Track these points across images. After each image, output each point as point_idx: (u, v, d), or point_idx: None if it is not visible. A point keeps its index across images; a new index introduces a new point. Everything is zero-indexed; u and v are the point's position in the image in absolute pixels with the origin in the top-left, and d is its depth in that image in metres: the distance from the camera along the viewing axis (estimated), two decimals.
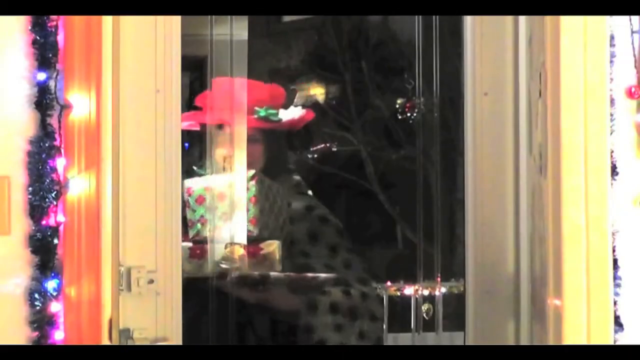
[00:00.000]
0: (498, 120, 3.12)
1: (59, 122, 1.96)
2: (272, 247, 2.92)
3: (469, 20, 3.17)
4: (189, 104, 3.11)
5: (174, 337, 2.35)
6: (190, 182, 2.90)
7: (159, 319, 2.41)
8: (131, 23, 2.26)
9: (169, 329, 2.37)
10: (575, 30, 2.01)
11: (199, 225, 2.85)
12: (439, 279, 3.80)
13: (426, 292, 3.79)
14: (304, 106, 3.08)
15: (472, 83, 3.15)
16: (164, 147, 2.28)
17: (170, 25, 2.30)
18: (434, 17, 3.60)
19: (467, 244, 3.19)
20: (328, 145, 5.68)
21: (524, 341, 2.95)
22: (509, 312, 3.11)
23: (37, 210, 1.95)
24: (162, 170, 2.45)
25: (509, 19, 3.09)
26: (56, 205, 1.95)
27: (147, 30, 2.35)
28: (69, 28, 1.98)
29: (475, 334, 3.15)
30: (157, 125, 2.38)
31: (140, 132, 2.32)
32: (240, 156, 2.98)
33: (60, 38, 1.97)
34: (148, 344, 2.30)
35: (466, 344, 3.19)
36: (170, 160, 2.33)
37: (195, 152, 3.33)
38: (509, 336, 3.10)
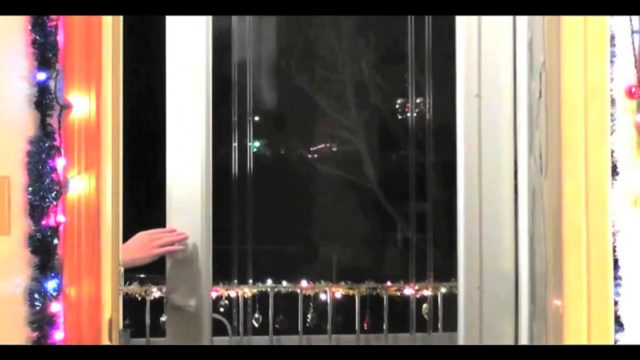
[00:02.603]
0: (491, 122, 3.13)
1: (59, 122, 1.96)
2: None
3: (460, 22, 3.17)
4: None
5: None
6: None
7: None
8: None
9: None
10: (575, 30, 2.01)
11: None
12: (431, 279, 3.81)
13: (426, 292, 3.78)
14: None
15: (464, 85, 3.16)
16: None
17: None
18: (426, 17, 3.60)
19: (459, 244, 3.20)
20: (328, 145, 5.68)
21: (524, 341, 2.95)
22: (508, 312, 3.11)
23: (37, 210, 1.95)
24: None
25: (504, 19, 3.10)
26: (56, 205, 1.95)
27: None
28: (69, 28, 1.98)
29: (472, 333, 3.16)
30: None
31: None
32: None
33: (60, 38, 1.97)
34: None
35: (459, 343, 3.19)
36: None
37: None
38: (508, 336, 3.10)
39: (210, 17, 3.06)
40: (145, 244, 2.68)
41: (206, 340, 2.79)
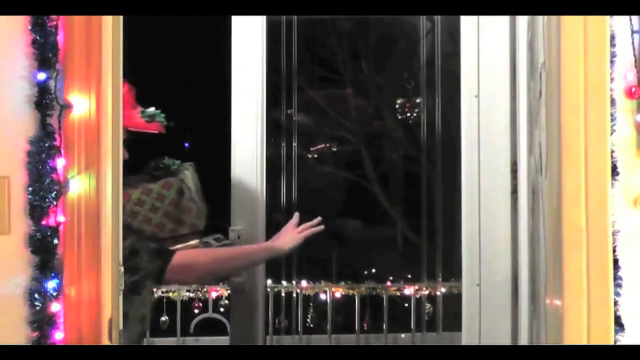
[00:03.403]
0: (489, 122, 3.14)
1: (59, 122, 1.96)
2: None
3: (464, 23, 3.18)
4: None
5: None
6: None
7: None
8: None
9: None
10: (575, 30, 2.01)
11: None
12: (420, 280, 3.81)
13: (426, 292, 3.78)
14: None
15: (465, 85, 3.17)
16: None
17: None
18: (436, 17, 3.60)
19: (463, 244, 3.20)
20: (328, 145, 5.68)
21: (523, 341, 2.95)
22: (507, 311, 3.11)
23: (37, 210, 1.95)
24: None
25: (504, 20, 3.10)
26: (56, 205, 1.95)
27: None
28: (69, 28, 1.98)
29: (471, 333, 3.16)
30: None
31: None
32: None
33: (60, 38, 1.97)
34: None
35: (463, 343, 3.19)
36: None
37: None
38: (508, 336, 3.10)
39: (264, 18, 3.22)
40: (291, 232, 2.96)
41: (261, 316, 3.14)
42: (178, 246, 2.93)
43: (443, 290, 3.77)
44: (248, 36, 3.21)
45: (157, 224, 2.83)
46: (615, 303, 2.00)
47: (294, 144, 3.89)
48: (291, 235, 2.93)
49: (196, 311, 3.64)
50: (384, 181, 5.66)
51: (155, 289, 2.72)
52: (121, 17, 2.05)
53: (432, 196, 3.92)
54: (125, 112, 2.62)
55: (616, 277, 2.01)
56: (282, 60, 3.66)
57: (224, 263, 2.87)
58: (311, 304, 3.80)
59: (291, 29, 3.64)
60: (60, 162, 1.96)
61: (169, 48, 2.69)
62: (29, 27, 1.97)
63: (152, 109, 2.91)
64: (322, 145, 5.69)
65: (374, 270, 5.04)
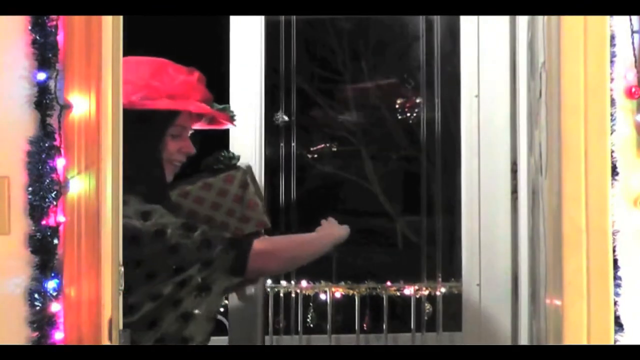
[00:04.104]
0: (489, 122, 3.14)
1: (59, 122, 1.96)
2: None
3: (464, 22, 3.18)
4: None
5: None
6: None
7: None
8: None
9: None
10: (575, 30, 2.01)
11: None
12: (420, 280, 3.81)
13: (426, 292, 3.78)
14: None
15: (465, 85, 3.17)
16: None
17: None
18: (435, 17, 3.60)
19: (463, 244, 3.20)
20: (328, 145, 5.68)
21: (524, 341, 2.95)
22: (508, 311, 3.11)
23: (37, 210, 1.95)
24: None
25: (503, 20, 3.10)
26: (56, 205, 1.95)
27: None
28: (69, 28, 1.98)
29: (471, 333, 3.16)
30: None
31: None
32: None
33: (60, 38, 1.97)
34: None
35: (463, 343, 3.19)
36: None
37: None
38: (508, 336, 3.10)
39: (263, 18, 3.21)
40: (335, 224, 2.82)
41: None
42: None
43: (443, 290, 3.76)
44: (247, 36, 3.21)
45: (220, 222, 2.64)
46: (615, 303, 2.00)
47: (293, 144, 3.89)
48: (338, 226, 2.78)
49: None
50: (384, 181, 5.66)
51: (232, 283, 2.50)
52: (121, 17, 2.05)
53: (432, 196, 3.92)
54: (196, 102, 2.59)
55: (616, 277, 2.01)
56: (280, 60, 3.66)
57: (302, 248, 2.68)
58: (311, 304, 3.79)
59: (290, 29, 3.64)
60: (60, 162, 1.96)
61: (167, 48, 2.69)
62: (29, 27, 1.97)
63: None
64: (322, 145, 5.69)
65: (374, 271, 5.04)
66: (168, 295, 2.36)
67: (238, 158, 2.77)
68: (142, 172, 2.48)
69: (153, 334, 2.36)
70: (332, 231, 2.74)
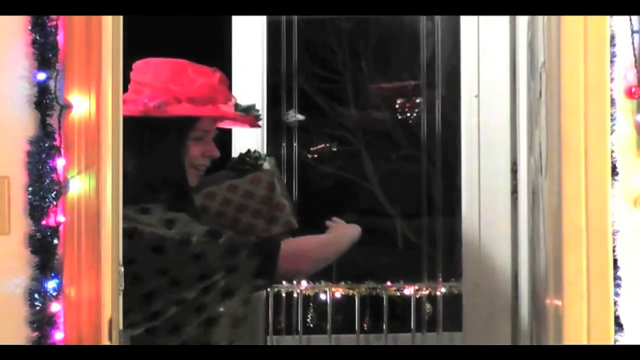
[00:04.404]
0: (489, 122, 3.14)
1: (59, 122, 1.96)
2: None
3: (464, 22, 3.18)
4: None
5: None
6: None
7: None
8: None
9: None
10: (575, 30, 2.01)
11: None
12: (420, 280, 3.81)
13: (426, 292, 3.78)
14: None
15: (465, 85, 3.17)
16: None
17: None
18: (436, 17, 3.60)
19: (463, 244, 3.20)
20: (328, 145, 5.68)
21: (524, 341, 2.95)
22: (508, 312, 3.12)
23: (37, 210, 1.95)
24: None
25: (504, 20, 3.10)
26: (56, 205, 1.95)
27: None
28: (69, 28, 1.98)
29: (473, 333, 3.16)
30: None
31: None
32: None
33: (60, 38, 1.97)
34: None
35: (463, 343, 3.19)
36: None
37: None
38: (508, 336, 3.10)
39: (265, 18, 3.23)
40: (346, 224, 2.77)
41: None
42: None
43: (443, 290, 3.76)
44: (248, 36, 3.22)
45: (246, 224, 2.56)
46: (615, 303, 2.00)
47: (295, 144, 3.89)
48: (349, 225, 2.72)
49: None
50: (384, 181, 5.66)
51: (258, 286, 2.48)
52: (121, 17, 2.05)
53: (432, 196, 3.92)
54: (218, 104, 2.51)
55: (616, 277, 2.01)
56: (282, 60, 3.66)
57: (327, 249, 2.62)
58: (311, 304, 3.79)
59: (291, 28, 3.64)
60: (60, 162, 1.96)
61: (168, 48, 2.68)
62: (29, 27, 1.97)
63: (246, 103, 2.68)
64: (322, 145, 5.69)
65: (374, 271, 5.04)
66: (192, 300, 2.35)
67: (264, 158, 2.70)
68: (164, 180, 2.45)
69: (176, 339, 2.34)
70: (345, 231, 2.70)
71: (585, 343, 1.98)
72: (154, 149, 2.45)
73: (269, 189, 2.59)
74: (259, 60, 3.21)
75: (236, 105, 2.59)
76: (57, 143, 1.96)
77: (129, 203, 2.18)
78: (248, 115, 2.61)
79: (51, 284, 1.95)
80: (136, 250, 2.27)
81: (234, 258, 2.38)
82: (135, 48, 2.45)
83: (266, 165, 2.69)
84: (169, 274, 2.34)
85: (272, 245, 2.44)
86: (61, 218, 1.96)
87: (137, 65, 2.55)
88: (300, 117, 3.81)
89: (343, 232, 2.69)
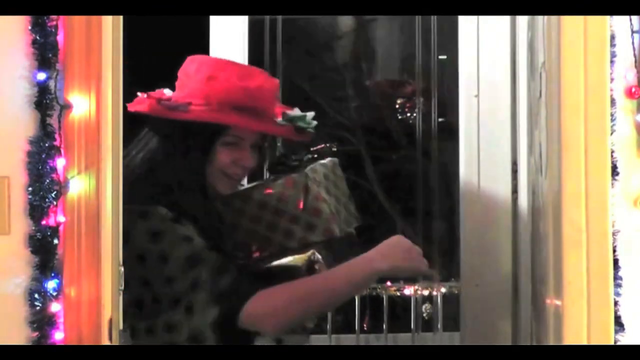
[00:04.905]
0: (489, 122, 3.14)
1: (59, 122, 1.96)
2: None
3: (464, 22, 3.18)
4: None
5: None
6: None
7: None
8: None
9: None
10: (575, 30, 2.01)
11: None
12: (420, 280, 3.81)
13: (426, 292, 3.78)
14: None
15: (464, 85, 3.18)
16: None
17: None
18: (432, 17, 3.60)
19: (461, 244, 3.20)
20: (328, 145, 5.68)
21: (524, 341, 2.95)
22: (508, 312, 3.12)
23: (37, 210, 1.95)
24: None
25: (504, 20, 3.10)
26: (56, 205, 1.95)
27: None
28: (69, 28, 1.98)
29: (472, 333, 3.16)
30: None
31: None
32: None
33: (60, 38, 1.97)
34: None
35: (462, 343, 3.19)
36: None
37: None
38: (508, 336, 3.11)
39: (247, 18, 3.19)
40: (409, 251, 2.32)
41: None
42: (279, 262, 2.44)
43: (443, 290, 3.76)
44: (229, 35, 3.18)
45: (284, 230, 2.35)
46: (615, 303, 2.00)
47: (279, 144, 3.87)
48: (407, 257, 2.29)
49: None
50: (384, 181, 5.65)
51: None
52: (121, 17, 2.05)
53: (432, 196, 3.92)
54: (271, 112, 2.35)
55: (616, 277, 2.00)
56: (265, 58, 3.63)
57: (309, 303, 2.28)
58: None
59: (275, 28, 3.59)
60: (60, 162, 1.96)
61: (149, 46, 2.65)
62: (29, 27, 1.97)
63: (295, 111, 2.43)
64: (322, 145, 5.69)
65: None
66: (168, 319, 2.25)
67: (302, 158, 2.51)
68: (180, 182, 2.32)
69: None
70: (375, 260, 2.29)
71: (585, 343, 1.97)
72: (176, 149, 2.34)
73: (304, 191, 2.37)
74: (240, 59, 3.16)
75: (283, 115, 2.41)
76: (57, 143, 1.96)
77: (135, 201, 2.16)
78: (289, 126, 2.40)
79: (51, 284, 1.95)
80: (125, 254, 2.15)
81: (195, 296, 2.21)
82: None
83: (316, 169, 2.42)
84: (150, 287, 2.25)
85: (238, 299, 2.22)
86: (61, 218, 1.96)
87: (186, 60, 2.43)
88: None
89: (365, 263, 2.30)
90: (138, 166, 2.38)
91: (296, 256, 2.48)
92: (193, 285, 2.21)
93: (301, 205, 2.35)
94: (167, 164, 2.35)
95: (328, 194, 2.42)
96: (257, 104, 2.34)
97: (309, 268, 2.51)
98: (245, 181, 2.55)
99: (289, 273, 2.42)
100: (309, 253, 2.47)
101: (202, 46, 3.23)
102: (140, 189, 2.31)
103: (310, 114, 2.44)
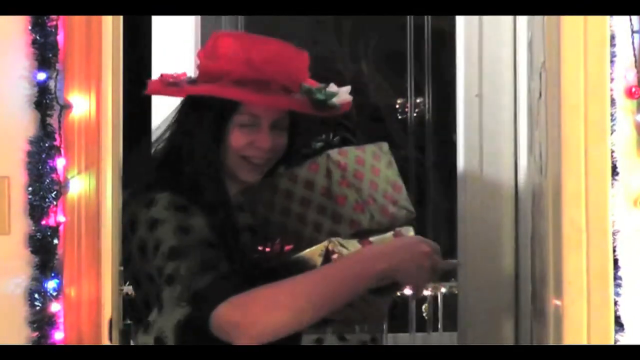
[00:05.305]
0: (491, 121, 3.14)
1: (59, 122, 1.96)
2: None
3: (461, 22, 3.18)
4: None
5: None
6: None
7: None
8: None
9: None
10: (575, 30, 2.01)
11: None
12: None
13: (426, 292, 3.78)
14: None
15: (463, 84, 3.17)
16: None
17: None
18: (425, 17, 3.61)
19: (459, 244, 3.20)
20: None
21: (524, 341, 2.95)
22: (508, 312, 3.12)
23: (37, 210, 1.95)
24: None
25: (504, 19, 3.10)
26: (56, 205, 1.95)
27: None
28: (69, 28, 1.98)
29: (472, 333, 3.16)
30: None
31: None
32: None
33: (60, 38, 1.97)
34: None
35: (461, 343, 3.19)
36: None
37: None
38: (508, 336, 3.11)
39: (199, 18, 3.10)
40: (421, 257, 2.12)
41: None
42: (303, 253, 2.13)
43: (443, 290, 3.76)
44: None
45: (312, 222, 2.12)
46: (615, 303, 2.00)
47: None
48: (415, 260, 2.08)
49: None
50: None
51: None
52: (121, 17, 2.05)
53: (432, 196, 3.92)
54: (283, 84, 2.14)
55: (616, 277, 2.00)
56: None
57: (296, 313, 2.02)
58: None
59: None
60: (60, 162, 1.96)
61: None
62: (29, 27, 1.97)
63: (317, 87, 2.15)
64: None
65: None
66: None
67: (327, 138, 2.30)
68: (194, 168, 2.15)
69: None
70: (376, 258, 2.01)
71: (585, 343, 1.97)
72: (185, 131, 2.18)
73: (327, 176, 2.11)
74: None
75: (301, 87, 2.17)
76: (57, 143, 1.96)
77: (155, 189, 2.10)
78: (304, 98, 2.15)
79: (51, 284, 1.95)
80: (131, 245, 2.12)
81: (169, 292, 2.03)
82: None
83: (344, 150, 2.16)
84: (154, 279, 2.12)
85: (207, 302, 1.98)
86: (61, 218, 1.96)
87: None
88: None
89: (367, 260, 1.99)
90: (159, 152, 2.26)
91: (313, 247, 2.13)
92: (168, 280, 2.02)
93: (327, 193, 2.11)
94: (179, 148, 2.20)
95: (358, 180, 2.14)
96: (263, 77, 2.12)
97: (326, 260, 2.13)
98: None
99: (300, 268, 2.09)
100: (325, 242, 2.11)
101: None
102: (160, 177, 2.19)
103: (332, 87, 2.17)
